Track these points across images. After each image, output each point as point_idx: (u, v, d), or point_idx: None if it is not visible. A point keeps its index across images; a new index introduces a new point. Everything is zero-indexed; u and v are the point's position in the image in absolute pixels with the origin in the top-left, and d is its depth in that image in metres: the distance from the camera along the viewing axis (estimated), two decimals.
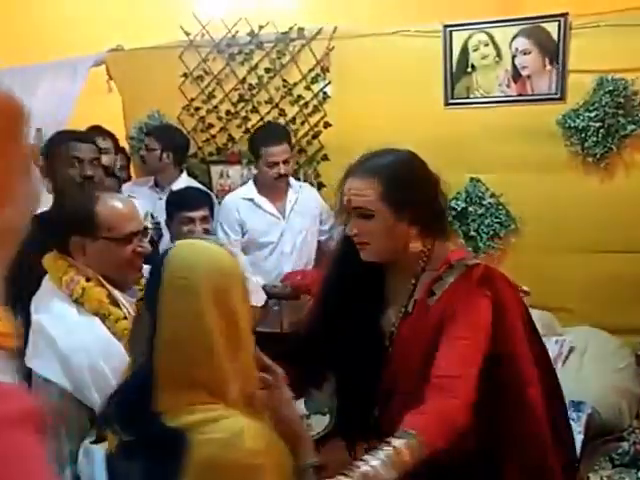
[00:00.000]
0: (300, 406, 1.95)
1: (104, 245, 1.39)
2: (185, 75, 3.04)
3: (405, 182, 1.24)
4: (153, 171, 2.93)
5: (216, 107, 3.05)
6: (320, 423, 1.86)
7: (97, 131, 2.74)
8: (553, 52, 2.52)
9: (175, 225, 2.29)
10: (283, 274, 2.60)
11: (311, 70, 2.87)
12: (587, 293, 2.63)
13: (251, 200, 2.64)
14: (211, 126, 3.08)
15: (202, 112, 3.08)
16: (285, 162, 2.56)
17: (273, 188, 2.63)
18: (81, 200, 1.47)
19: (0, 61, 2.64)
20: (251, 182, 2.72)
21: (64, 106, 3.19)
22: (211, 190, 3.04)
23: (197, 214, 2.26)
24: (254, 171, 2.74)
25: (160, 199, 2.69)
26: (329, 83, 2.88)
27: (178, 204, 2.30)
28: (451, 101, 2.71)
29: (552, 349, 2.40)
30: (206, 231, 2.28)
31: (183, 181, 2.85)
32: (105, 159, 2.57)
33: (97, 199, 1.45)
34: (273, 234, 2.63)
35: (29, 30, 3.05)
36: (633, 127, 2.46)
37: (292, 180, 2.72)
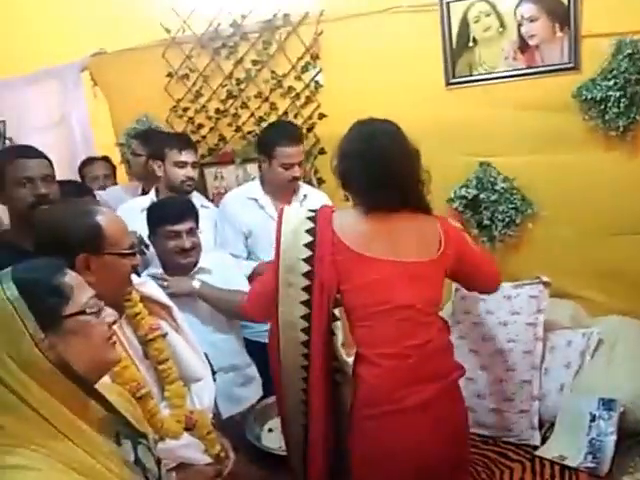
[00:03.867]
0: None
1: (109, 260, 1.40)
2: (170, 74, 2.90)
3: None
4: (139, 176, 2.79)
5: (204, 106, 2.89)
6: None
7: (184, 141, 2.48)
8: (563, 17, 2.27)
9: (160, 240, 2.09)
10: None
11: (300, 59, 2.68)
12: (615, 280, 2.41)
13: (255, 200, 2.45)
14: (201, 126, 2.93)
15: (190, 112, 2.93)
16: (300, 164, 2.39)
17: (282, 190, 2.43)
18: (82, 216, 1.42)
19: None
20: (257, 181, 2.53)
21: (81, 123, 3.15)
22: (206, 194, 2.91)
23: (183, 227, 2.07)
24: (249, 171, 2.56)
25: None
26: (320, 71, 2.68)
27: (161, 217, 2.08)
28: (453, 80, 2.49)
29: (579, 342, 2.22)
30: (194, 245, 2.10)
31: None
32: (192, 172, 2.44)
33: (96, 213, 1.42)
34: (270, 239, 2.45)
35: (5, 41, 2.94)
36: None
37: (302, 187, 2.50)
